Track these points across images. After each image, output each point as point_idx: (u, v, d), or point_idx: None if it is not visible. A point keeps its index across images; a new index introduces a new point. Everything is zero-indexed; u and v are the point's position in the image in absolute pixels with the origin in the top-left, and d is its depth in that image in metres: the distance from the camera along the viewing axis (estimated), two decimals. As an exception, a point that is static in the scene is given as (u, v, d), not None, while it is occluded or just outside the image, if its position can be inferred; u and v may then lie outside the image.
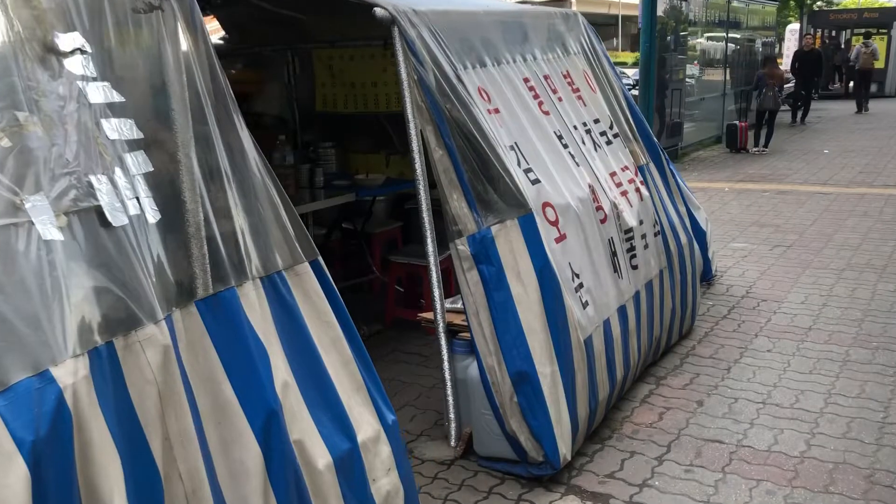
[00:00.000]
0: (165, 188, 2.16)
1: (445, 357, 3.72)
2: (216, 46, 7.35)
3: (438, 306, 3.70)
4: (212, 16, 6.85)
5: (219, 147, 2.28)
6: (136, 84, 2.17)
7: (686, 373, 4.64)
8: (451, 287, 4.76)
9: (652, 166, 5.02)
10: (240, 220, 2.27)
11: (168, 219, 2.15)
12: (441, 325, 3.71)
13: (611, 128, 4.68)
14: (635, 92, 11.87)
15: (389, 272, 5.47)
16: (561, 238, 3.74)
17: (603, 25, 36.95)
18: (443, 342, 3.71)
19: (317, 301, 2.43)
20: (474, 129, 3.54)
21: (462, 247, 3.47)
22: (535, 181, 3.74)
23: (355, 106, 6.02)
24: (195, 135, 2.20)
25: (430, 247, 3.69)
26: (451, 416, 3.74)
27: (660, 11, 12.32)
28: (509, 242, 3.51)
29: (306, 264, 2.49)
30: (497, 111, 3.78)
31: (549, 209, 3.74)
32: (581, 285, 3.78)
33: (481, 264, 3.48)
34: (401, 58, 3.49)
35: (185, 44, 2.34)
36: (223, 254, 2.20)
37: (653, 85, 11.73)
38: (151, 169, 2.12)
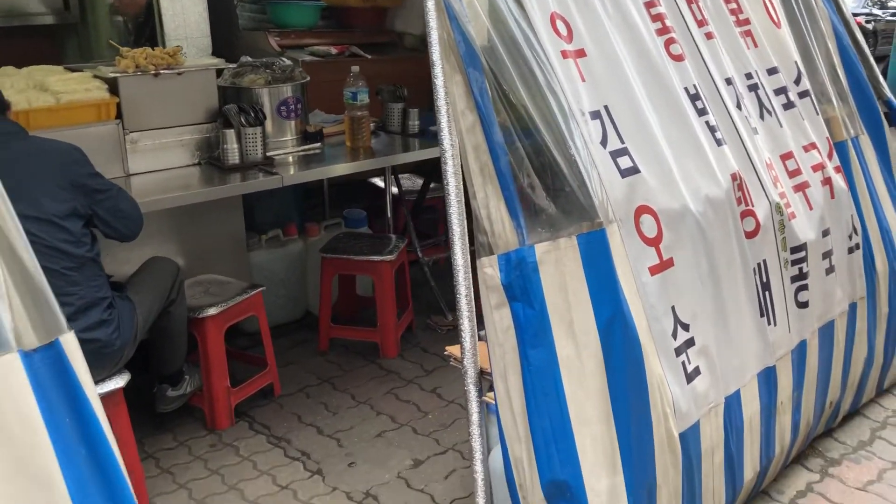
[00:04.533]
0: None
1: (474, 419, 2.49)
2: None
3: (468, 342, 2.46)
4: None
5: None
6: None
7: (875, 457, 3.08)
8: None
9: (864, 140, 3.34)
10: None
11: None
12: (471, 371, 2.48)
13: (797, 83, 3.08)
14: None
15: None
16: (662, 266, 2.34)
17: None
18: (471, 397, 2.48)
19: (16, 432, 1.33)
20: (525, 87, 2.21)
21: (490, 269, 2.20)
22: (630, 170, 2.35)
23: None
24: None
25: (460, 257, 2.42)
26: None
27: None
28: (561, 273, 2.19)
29: (13, 355, 1.40)
30: (581, 53, 2.39)
31: (646, 217, 2.34)
32: (690, 342, 2.38)
33: (516, 301, 2.20)
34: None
35: None
36: None
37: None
38: None
